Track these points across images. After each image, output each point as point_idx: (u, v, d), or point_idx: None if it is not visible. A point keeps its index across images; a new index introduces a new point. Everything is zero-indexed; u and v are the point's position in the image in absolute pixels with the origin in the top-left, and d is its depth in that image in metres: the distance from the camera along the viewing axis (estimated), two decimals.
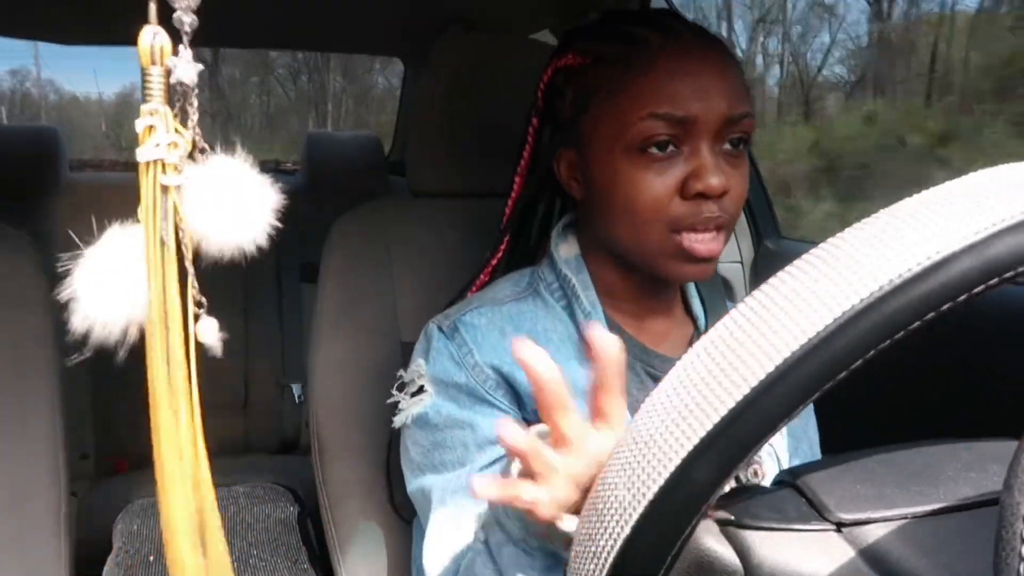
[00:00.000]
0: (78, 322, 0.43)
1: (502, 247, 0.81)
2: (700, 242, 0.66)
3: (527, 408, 0.71)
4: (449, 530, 0.67)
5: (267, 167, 0.49)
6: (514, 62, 0.98)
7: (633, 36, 0.69)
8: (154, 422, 0.44)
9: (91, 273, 0.44)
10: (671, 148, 0.66)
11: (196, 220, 0.44)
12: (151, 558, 1.09)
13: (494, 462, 0.68)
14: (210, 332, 0.46)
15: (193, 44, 0.42)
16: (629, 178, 0.67)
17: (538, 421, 0.70)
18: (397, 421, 0.73)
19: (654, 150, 0.66)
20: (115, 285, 0.44)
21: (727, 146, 0.68)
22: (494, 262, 0.81)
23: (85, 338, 0.44)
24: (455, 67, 0.97)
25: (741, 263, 1.50)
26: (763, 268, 1.50)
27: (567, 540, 0.48)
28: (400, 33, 1.95)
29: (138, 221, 0.44)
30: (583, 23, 0.76)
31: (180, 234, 0.44)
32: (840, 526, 0.30)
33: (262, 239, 0.46)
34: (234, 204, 0.45)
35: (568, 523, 0.45)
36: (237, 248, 0.46)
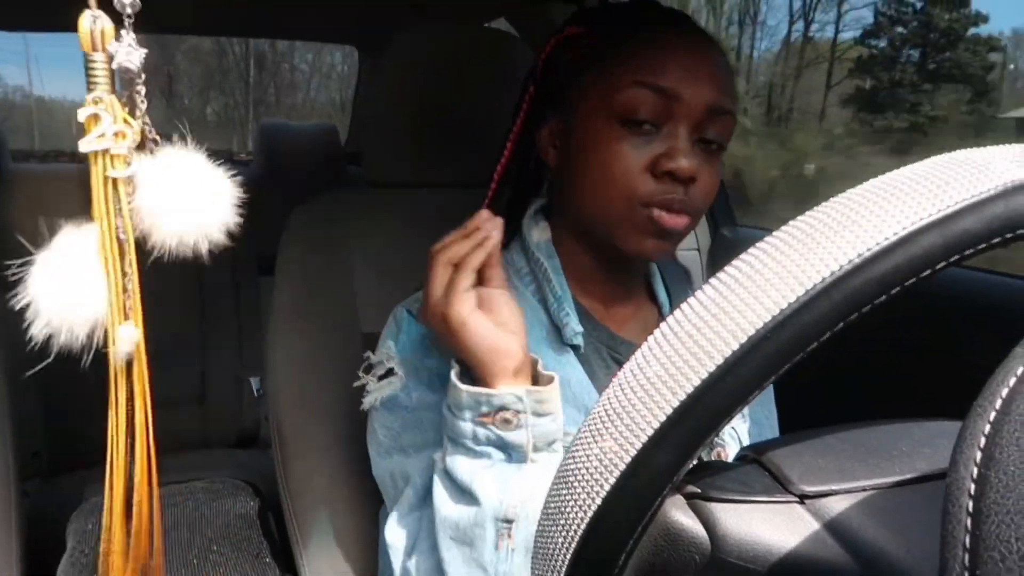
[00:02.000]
0: (38, 329, 0.41)
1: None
2: (666, 216, 0.67)
3: None
4: (416, 504, 0.68)
5: (219, 157, 0.47)
6: (472, 52, 0.98)
7: (636, 15, 0.71)
8: (113, 421, 0.42)
9: (47, 278, 0.42)
10: (650, 126, 0.67)
11: (148, 215, 0.43)
12: None
13: None
14: (128, 340, 0.44)
15: (138, 30, 0.41)
16: (606, 146, 0.68)
17: None
18: (366, 403, 0.72)
19: (634, 125, 0.67)
20: (74, 288, 0.42)
21: (705, 141, 0.69)
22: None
23: (46, 345, 0.42)
24: (413, 56, 0.96)
25: (698, 250, 1.52)
26: (720, 256, 1.52)
27: (504, 418, 0.61)
28: (354, 21, 1.93)
29: (90, 217, 0.43)
30: (585, 9, 0.78)
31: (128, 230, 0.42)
32: (803, 498, 0.31)
33: (220, 234, 0.45)
34: (189, 197, 0.44)
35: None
36: (193, 243, 0.44)
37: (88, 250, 0.42)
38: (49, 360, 0.42)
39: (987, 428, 0.23)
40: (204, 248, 0.44)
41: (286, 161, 2.01)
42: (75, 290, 0.42)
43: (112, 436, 0.43)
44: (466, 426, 0.62)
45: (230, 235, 0.46)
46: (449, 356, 0.69)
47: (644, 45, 0.68)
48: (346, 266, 0.96)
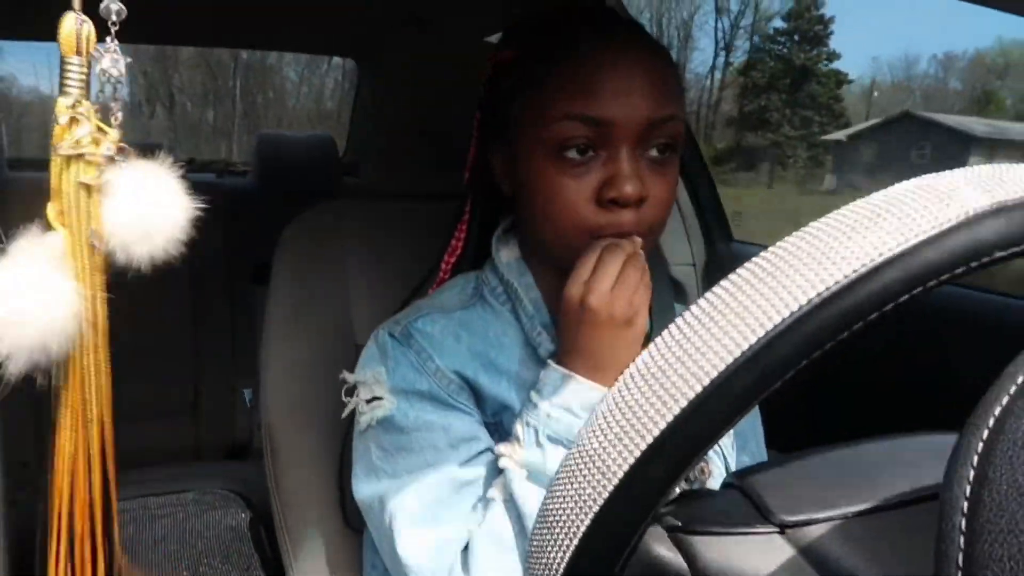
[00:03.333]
0: None
1: (458, 245, 0.80)
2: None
3: (487, 412, 0.71)
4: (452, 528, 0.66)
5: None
6: (467, 64, 0.98)
7: (562, 31, 0.68)
8: (63, 437, 0.41)
9: (4, 288, 0.40)
10: (590, 152, 0.65)
11: (112, 224, 0.42)
12: None
13: (472, 458, 0.68)
14: None
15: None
16: (547, 182, 0.66)
17: (496, 425, 0.70)
18: (362, 422, 0.71)
19: (572, 153, 0.65)
20: (30, 301, 0.40)
21: (653, 152, 0.66)
22: (452, 260, 0.80)
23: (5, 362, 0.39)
24: (409, 68, 0.97)
25: (694, 266, 1.52)
26: (714, 271, 1.53)
27: None
28: (353, 33, 1.94)
29: (48, 225, 0.41)
30: (519, 25, 0.74)
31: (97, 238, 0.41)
32: (783, 528, 0.31)
33: (173, 249, 0.44)
34: (148, 210, 0.43)
35: None
36: (146, 256, 0.43)
37: (48, 260, 0.40)
38: (10, 385, 0.41)
39: (980, 447, 0.23)
40: (160, 262, 0.43)
41: (283, 171, 2.01)
42: (31, 303, 0.40)
43: (60, 459, 0.41)
44: (564, 423, 0.63)
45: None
46: (442, 379, 0.69)
47: (571, 73, 0.65)
48: (341, 276, 0.96)
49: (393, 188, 1.01)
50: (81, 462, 0.42)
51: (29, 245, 0.41)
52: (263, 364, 0.93)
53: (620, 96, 0.64)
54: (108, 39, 0.39)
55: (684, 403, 0.27)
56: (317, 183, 1.98)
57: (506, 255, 0.75)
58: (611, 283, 0.63)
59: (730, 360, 0.26)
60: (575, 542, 0.28)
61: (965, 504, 0.23)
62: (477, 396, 0.71)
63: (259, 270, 1.93)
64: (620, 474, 0.27)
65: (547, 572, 0.29)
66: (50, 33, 0.38)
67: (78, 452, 0.42)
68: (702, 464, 0.73)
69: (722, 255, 1.52)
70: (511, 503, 0.63)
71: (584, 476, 0.28)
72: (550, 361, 0.66)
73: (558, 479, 0.29)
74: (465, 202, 0.79)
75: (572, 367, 0.64)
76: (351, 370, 0.74)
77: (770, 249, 0.29)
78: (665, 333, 0.29)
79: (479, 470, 0.68)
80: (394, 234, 0.99)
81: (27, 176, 1.96)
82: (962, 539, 0.22)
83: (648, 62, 0.66)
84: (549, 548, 0.29)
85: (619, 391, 0.29)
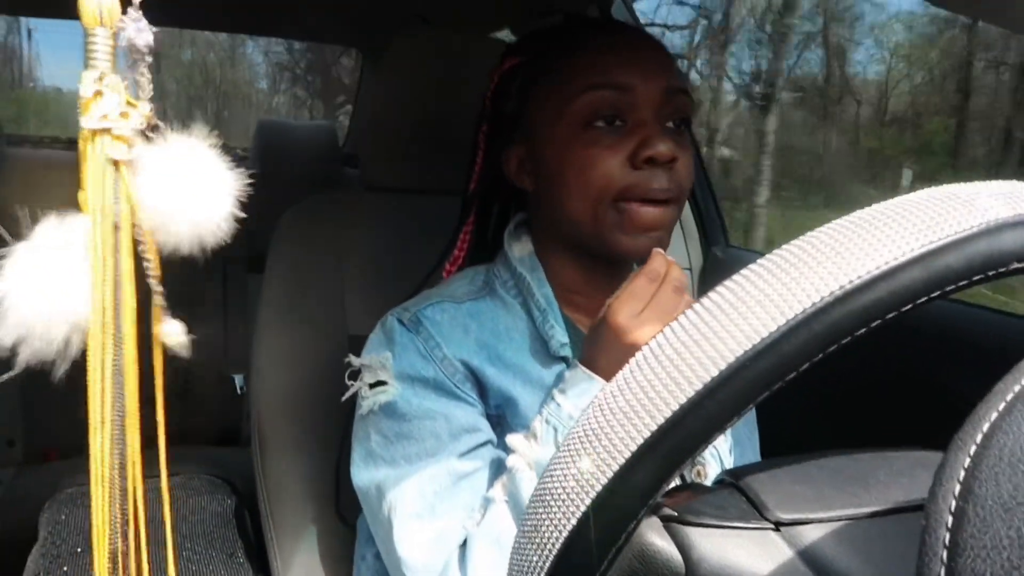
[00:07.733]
0: (8, 331, 0.37)
1: (460, 255, 0.81)
2: (646, 212, 0.68)
3: (490, 404, 0.71)
4: (450, 522, 0.66)
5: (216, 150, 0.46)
6: (472, 60, 0.98)
7: (570, 31, 0.72)
8: (94, 426, 0.40)
9: (24, 273, 0.38)
10: (617, 123, 0.68)
11: (149, 205, 0.41)
12: (78, 550, 1.05)
13: (472, 450, 0.68)
14: (175, 334, 0.42)
15: (147, 21, 0.40)
16: (579, 155, 0.68)
17: (500, 416, 0.70)
18: (364, 407, 0.70)
19: (601, 123, 0.68)
20: (54, 287, 0.38)
21: (670, 124, 0.70)
22: (453, 269, 0.80)
23: (16, 349, 0.37)
24: (413, 62, 0.97)
25: (690, 270, 1.52)
26: (711, 275, 1.53)
27: None
28: (359, 25, 1.93)
29: (77, 207, 0.40)
30: (519, 38, 0.80)
31: (132, 219, 0.40)
32: (778, 525, 0.31)
33: (223, 231, 0.43)
34: (192, 189, 0.42)
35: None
36: (195, 240, 0.42)
37: (77, 243, 0.39)
38: (21, 368, 0.40)
39: (967, 462, 0.23)
40: (208, 245, 0.42)
41: (282, 159, 2.01)
42: (54, 289, 0.38)
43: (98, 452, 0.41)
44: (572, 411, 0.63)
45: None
46: (448, 367, 0.69)
47: (588, 52, 0.69)
48: (336, 267, 0.96)
49: (391, 181, 1.01)
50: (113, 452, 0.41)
51: (51, 227, 0.39)
52: (255, 352, 0.93)
53: (638, 65, 0.69)
54: (131, 10, 0.38)
55: (699, 385, 0.26)
56: (316, 173, 1.98)
57: (519, 250, 0.76)
58: (642, 309, 0.63)
59: (748, 346, 0.26)
60: (572, 522, 0.28)
61: (950, 518, 0.23)
62: (481, 387, 0.71)
63: (254, 258, 1.93)
64: (627, 454, 0.27)
65: (539, 553, 0.29)
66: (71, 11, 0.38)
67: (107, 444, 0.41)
68: (699, 467, 0.73)
69: (718, 260, 1.53)
70: (514, 503, 0.63)
71: (588, 455, 0.28)
72: (577, 363, 0.66)
73: (559, 456, 0.29)
74: (468, 210, 0.80)
75: (598, 373, 0.64)
76: (342, 359, 0.74)
77: (793, 242, 0.29)
78: (682, 317, 0.28)
79: (478, 462, 0.68)
80: (390, 227, 0.99)
81: (25, 152, 1.95)
82: (945, 553, 0.22)
83: (654, 45, 0.72)
84: (544, 528, 0.28)
85: (631, 371, 0.28)
